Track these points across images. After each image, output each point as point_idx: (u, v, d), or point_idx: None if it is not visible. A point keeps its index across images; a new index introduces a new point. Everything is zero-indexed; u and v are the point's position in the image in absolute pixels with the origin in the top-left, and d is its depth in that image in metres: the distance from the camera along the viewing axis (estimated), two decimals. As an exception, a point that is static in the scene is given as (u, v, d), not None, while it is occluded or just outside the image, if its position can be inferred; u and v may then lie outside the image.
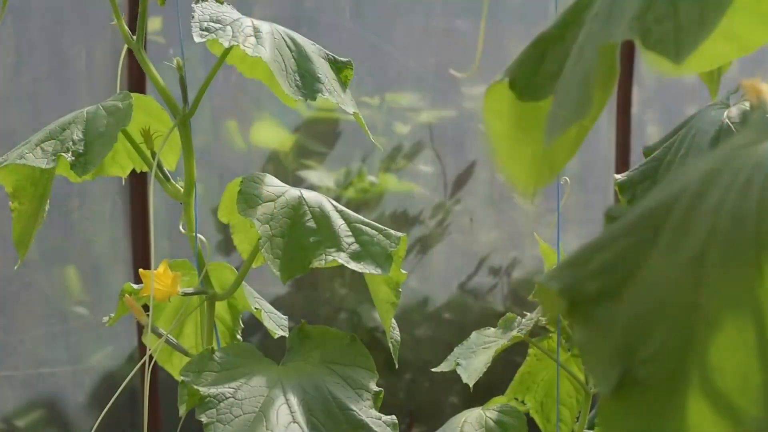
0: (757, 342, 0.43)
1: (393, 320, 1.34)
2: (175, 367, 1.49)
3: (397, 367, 1.38)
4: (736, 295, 0.44)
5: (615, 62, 0.56)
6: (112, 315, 1.44)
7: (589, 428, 1.61)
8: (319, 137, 3.19)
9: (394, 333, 1.35)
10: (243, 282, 1.38)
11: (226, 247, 2.70)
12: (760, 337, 0.43)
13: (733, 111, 1.26)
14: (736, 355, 0.43)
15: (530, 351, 1.69)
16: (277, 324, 1.47)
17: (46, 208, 1.36)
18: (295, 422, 1.14)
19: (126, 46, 1.34)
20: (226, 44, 1.20)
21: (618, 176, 1.33)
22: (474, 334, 1.66)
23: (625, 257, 0.49)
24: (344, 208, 1.29)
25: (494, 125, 0.67)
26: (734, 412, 0.43)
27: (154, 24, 2.75)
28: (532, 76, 0.65)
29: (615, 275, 0.48)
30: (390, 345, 1.35)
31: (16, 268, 1.42)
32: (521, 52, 0.66)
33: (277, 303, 2.78)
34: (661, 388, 0.45)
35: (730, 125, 1.23)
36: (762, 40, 0.61)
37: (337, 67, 1.34)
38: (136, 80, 2.55)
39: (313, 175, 3.15)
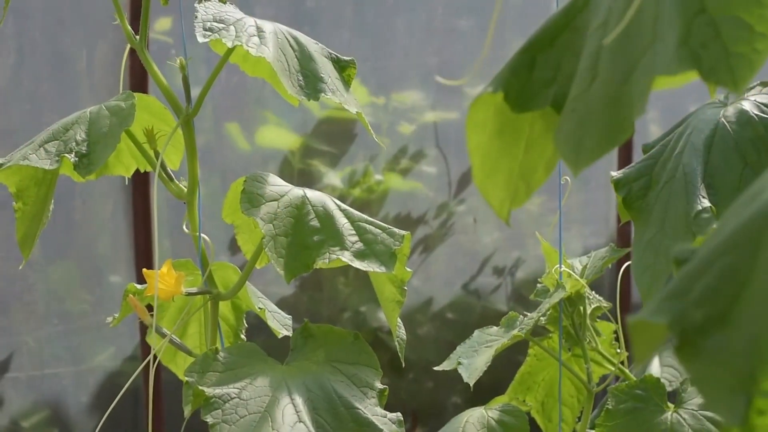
0: None
1: (398, 319, 1.34)
2: (179, 366, 1.49)
3: (403, 365, 1.38)
4: None
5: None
6: (116, 315, 1.44)
7: (591, 428, 1.61)
8: (325, 138, 3.19)
9: (400, 331, 1.35)
10: (247, 282, 1.38)
11: (233, 247, 2.70)
12: None
13: (730, 110, 1.26)
14: None
15: (531, 350, 1.69)
16: (281, 323, 1.47)
17: (51, 208, 1.36)
18: (300, 422, 1.14)
19: (129, 46, 1.34)
20: (229, 44, 1.20)
21: (614, 173, 1.33)
22: (476, 333, 1.66)
23: (728, 278, 0.46)
24: (347, 207, 1.29)
25: (475, 137, 0.65)
26: None
27: (163, 24, 2.75)
28: (524, 84, 0.62)
29: (720, 298, 0.45)
30: (396, 343, 1.35)
31: (20, 268, 1.42)
32: (509, 61, 0.64)
33: (282, 303, 2.79)
34: None
35: (726, 124, 1.22)
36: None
37: (340, 66, 1.34)
38: (139, 80, 2.55)
39: (319, 175, 3.15)
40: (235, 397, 1.14)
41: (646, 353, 0.46)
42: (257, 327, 1.58)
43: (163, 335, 1.33)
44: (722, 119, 1.25)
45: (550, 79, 0.61)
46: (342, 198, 3.13)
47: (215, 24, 1.21)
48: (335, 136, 3.20)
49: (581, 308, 1.59)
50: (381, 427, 1.17)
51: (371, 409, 1.19)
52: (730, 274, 0.46)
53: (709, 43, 0.50)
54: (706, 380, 0.45)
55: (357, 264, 1.22)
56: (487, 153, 0.65)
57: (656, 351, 0.45)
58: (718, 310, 0.45)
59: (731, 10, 0.50)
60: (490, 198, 0.66)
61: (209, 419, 1.12)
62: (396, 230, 1.27)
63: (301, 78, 1.25)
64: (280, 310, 1.50)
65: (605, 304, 1.61)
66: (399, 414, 1.20)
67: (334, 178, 3.18)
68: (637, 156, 3.51)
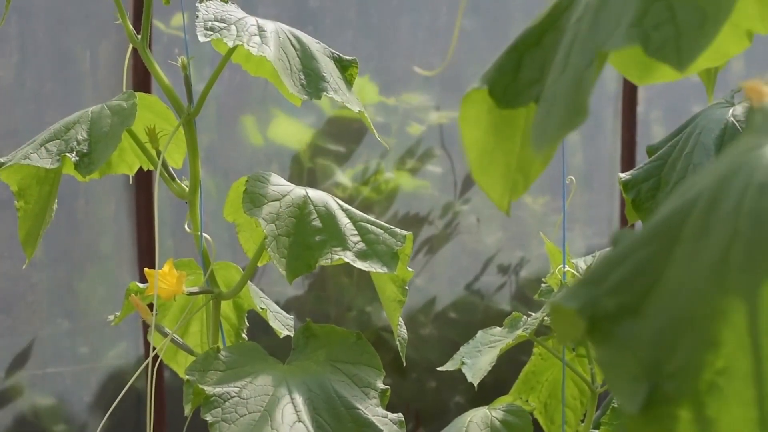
0: None
1: (400, 318, 1.34)
2: (180, 365, 1.49)
3: (405, 365, 1.38)
4: (763, 297, 0.43)
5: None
6: (118, 314, 1.44)
7: (594, 428, 1.61)
8: (334, 137, 3.19)
9: (402, 331, 1.35)
10: (249, 282, 1.38)
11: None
12: None
13: (738, 109, 1.26)
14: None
15: (535, 350, 1.68)
16: (282, 324, 1.47)
17: (54, 207, 1.36)
18: (300, 421, 1.14)
19: (131, 46, 1.34)
20: (230, 44, 1.20)
21: (622, 175, 1.33)
22: (480, 333, 1.65)
23: (642, 270, 0.47)
24: (350, 207, 1.29)
25: (469, 133, 0.66)
26: None
27: (178, 19, 2.75)
28: (510, 82, 0.63)
29: (634, 289, 0.47)
30: (397, 343, 1.35)
31: (24, 267, 1.42)
32: (497, 58, 0.65)
33: (288, 303, 2.79)
34: (692, 401, 0.44)
35: (735, 123, 1.23)
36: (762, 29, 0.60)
37: (343, 65, 1.34)
38: (141, 79, 2.56)
39: (327, 174, 3.15)
40: (235, 396, 1.14)
41: (566, 336, 0.48)
42: (260, 326, 1.58)
43: (165, 334, 1.33)
44: (731, 118, 1.25)
45: (536, 79, 0.62)
46: (351, 197, 3.14)
47: (216, 23, 1.21)
48: (343, 136, 3.20)
49: (584, 308, 1.58)
50: (381, 427, 1.17)
51: (372, 410, 1.19)
52: (646, 267, 0.47)
53: (662, 25, 0.52)
54: (612, 366, 0.46)
55: (359, 264, 1.22)
56: (483, 148, 0.66)
57: (577, 334, 0.47)
58: (631, 301, 0.47)
59: None
60: (489, 191, 0.67)
61: (209, 418, 1.12)
62: (398, 230, 1.27)
63: (303, 77, 1.25)
64: (281, 311, 1.50)
65: (608, 304, 1.61)
66: (400, 414, 1.20)
67: (342, 176, 3.18)
68: (641, 156, 3.51)
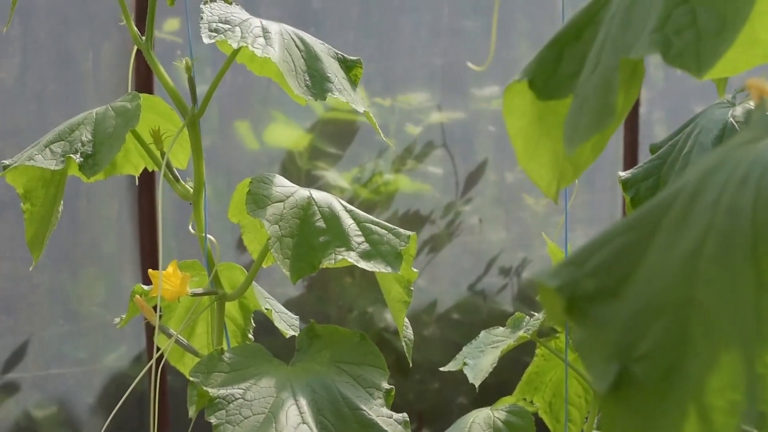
0: (753, 337, 0.43)
1: (406, 319, 1.34)
2: (186, 367, 1.49)
3: (411, 365, 1.38)
4: (731, 290, 0.44)
5: (641, 69, 0.55)
6: (123, 316, 1.44)
7: (597, 428, 1.61)
8: (332, 138, 3.19)
9: (408, 332, 1.35)
10: (253, 282, 1.38)
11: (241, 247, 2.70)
12: (756, 333, 0.43)
13: (738, 110, 1.26)
14: (730, 350, 0.43)
15: (538, 351, 1.68)
16: (288, 324, 1.47)
17: (60, 210, 1.36)
18: (304, 423, 1.14)
19: (135, 47, 1.34)
20: (234, 45, 1.20)
21: (622, 174, 1.33)
22: (483, 334, 1.65)
23: (622, 255, 0.48)
24: (353, 208, 1.29)
25: (514, 123, 0.67)
26: (727, 406, 0.43)
27: (172, 24, 2.76)
28: (550, 75, 0.65)
29: (613, 273, 0.48)
30: (403, 344, 1.35)
31: (31, 269, 1.42)
32: (539, 51, 0.66)
33: (289, 304, 2.78)
34: (658, 385, 0.45)
35: (735, 124, 1.23)
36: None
37: (347, 65, 1.34)
38: (144, 80, 2.56)
39: (326, 175, 3.15)
40: (239, 398, 1.14)
41: (554, 315, 0.50)
42: (264, 327, 1.58)
43: (169, 336, 1.33)
44: (730, 119, 1.25)
45: (575, 72, 0.63)
46: (350, 199, 3.13)
47: (221, 25, 1.21)
48: (339, 137, 3.20)
49: (587, 308, 1.58)
50: (386, 428, 1.17)
51: (376, 410, 1.19)
52: (627, 252, 0.49)
53: (683, 31, 0.53)
54: (586, 345, 0.48)
55: (363, 264, 1.22)
56: (529, 137, 0.67)
57: (558, 311, 0.48)
58: (609, 284, 0.48)
59: (712, 1, 0.52)
60: (537, 179, 0.69)
61: (213, 420, 1.12)
62: (402, 231, 1.27)
63: (307, 78, 1.25)
64: (287, 311, 1.50)
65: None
66: (405, 415, 1.20)
67: (340, 178, 3.18)
68: (643, 156, 3.51)
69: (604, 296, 0.48)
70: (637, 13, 0.55)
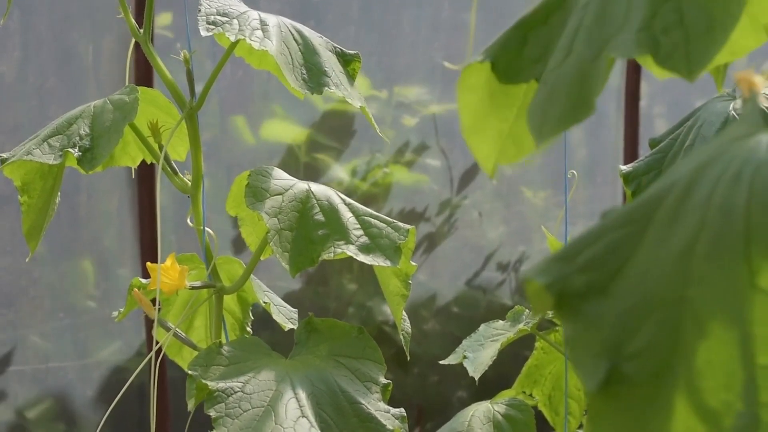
0: (743, 337, 0.43)
1: (404, 312, 1.34)
2: (185, 360, 1.49)
3: (408, 359, 1.38)
4: (723, 289, 0.43)
5: (612, 63, 0.55)
6: (121, 310, 1.44)
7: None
8: (332, 132, 3.19)
9: (405, 325, 1.35)
10: (252, 276, 1.38)
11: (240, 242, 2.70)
12: (746, 333, 0.43)
13: (739, 103, 1.26)
14: (723, 350, 0.43)
15: (537, 344, 1.68)
16: (286, 317, 1.47)
17: (57, 201, 1.36)
18: (303, 416, 1.14)
19: (134, 40, 1.34)
20: (232, 38, 1.20)
21: (623, 167, 1.33)
22: (483, 327, 1.65)
23: (613, 251, 0.48)
24: (352, 201, 1.29)
25: (464, 98, 0.67)
26: (720, 407, 0.43)
27: (163, 19, 2.75)
28: (514, 58, 0.64)
29: (603, 269, 0.48)
30: (401, 337, 1.35)
31: (27, 260, 1.42)
32: (502, 34, 0.65)
33: (288, 297, 2.78)
34: (648, 384, 0.44)
35: (736, 117, 1.22)
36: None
37: (345, 59, 1.34)
38: (143, 74, 2.55)
39: (325, 168, 3.15)
40: (238, 391, 1.14)
41: (540, 308, 0.49)
42: (263, 321, 1.58)
43: (168, 329, 1.33)
44: (732, 111, 1.25)
45: (539, 56, 0.62)
46: (349, 192, 3.13)
47: (219, 18, 1.21)
48: (339, 130, 3.20)
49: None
50: (384, 421, 1.17)
51: (374, 404, 1.19)
52: (618, 248, 0.48)
53: (670, 29, 0.52)
54: (576, 342, 0.47)
55: (362, 258, 1.22)
56: (477, 111, 0.67)
57: (547, 308, 0.48)
58: (600, 280, 0.47)
59: None
60: (476, 152, 0.68)
61: (212, 413, 1.12)
62: (401, 224, 1.27)
63: (304, 71, 1.25)
64: (286, 304, 1.50)
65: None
66: (402, 409, 1.20)
67: (340, 171, 3.18)
68: (644, 150, 3.51)
69: (594, 293, 0.47)
70: (615, 4, 0.55)
